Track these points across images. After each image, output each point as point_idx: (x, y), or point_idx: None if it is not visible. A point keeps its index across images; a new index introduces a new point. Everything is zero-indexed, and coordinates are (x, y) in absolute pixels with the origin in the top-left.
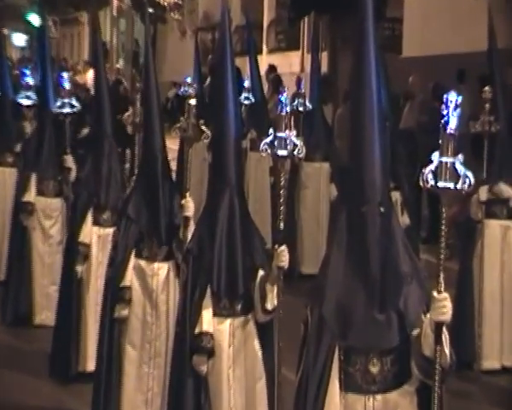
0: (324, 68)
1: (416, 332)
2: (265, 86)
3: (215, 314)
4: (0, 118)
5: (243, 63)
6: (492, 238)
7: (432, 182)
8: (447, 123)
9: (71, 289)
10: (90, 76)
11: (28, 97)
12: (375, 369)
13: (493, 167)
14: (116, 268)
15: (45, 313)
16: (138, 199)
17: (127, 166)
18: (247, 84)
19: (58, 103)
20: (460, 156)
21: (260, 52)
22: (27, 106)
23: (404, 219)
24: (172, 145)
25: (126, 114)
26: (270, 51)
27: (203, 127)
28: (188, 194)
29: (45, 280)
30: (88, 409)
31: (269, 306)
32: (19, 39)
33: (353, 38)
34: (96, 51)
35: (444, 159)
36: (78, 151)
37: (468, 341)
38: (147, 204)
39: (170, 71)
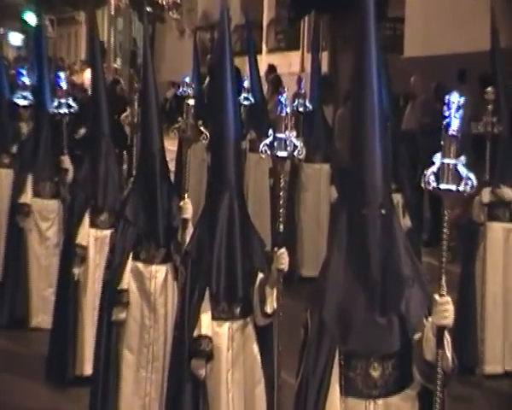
0: (325, 68)
1: (417, 336)
2: (265, 86)
3: (214, 317)
4: None
5: (242, 63)
6: (495, 241)
7: (434, 184)
8: (449, 124)
9: (68, 291)
10: (87, 76)
11: (25, 97)
12: (376, 373)
13: (496, 169)
14: (113, 271)
15: (42, 316)
16: (136, 201)
17: (125, 167)
18: (246, 84)
19: (55, 103)
20: (462, 158)
21: (260, 52)
22: (24, 106)
23: (406, 222)
24: (171, 146)
25: (124, 114)
26: (270, 51)
27: (202, 128)
28: (186, 195)
29: (42, 283)
30: None
31: (268, 309)
32: (15, 38)
33: (354, 37)
34: (94, 51)
35: (446, 160)
36: (75, 152)
37: (471, 345)
38: (145, 206)
39: (168, 71)
